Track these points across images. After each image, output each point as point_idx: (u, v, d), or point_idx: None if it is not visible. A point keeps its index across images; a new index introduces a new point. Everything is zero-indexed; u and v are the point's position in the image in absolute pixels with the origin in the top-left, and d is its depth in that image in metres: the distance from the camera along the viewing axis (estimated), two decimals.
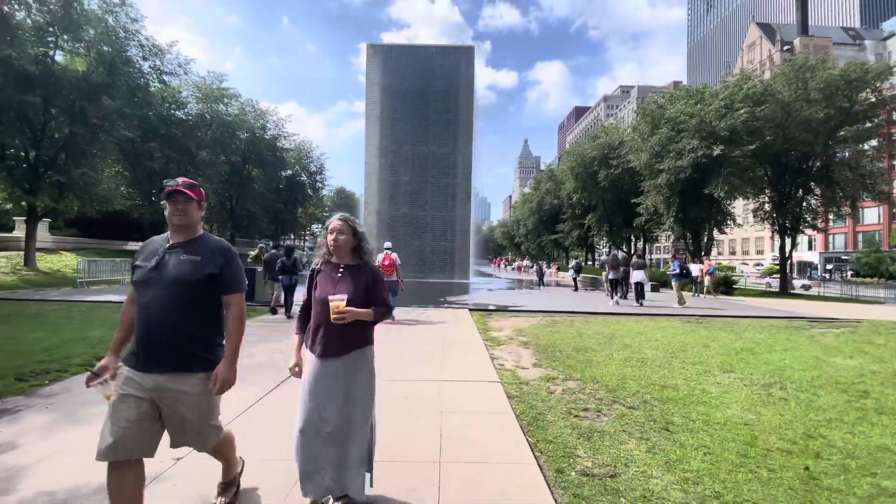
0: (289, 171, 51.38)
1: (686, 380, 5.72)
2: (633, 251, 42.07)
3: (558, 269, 44.53)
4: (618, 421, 4.08)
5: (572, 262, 24.95)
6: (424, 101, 29.26)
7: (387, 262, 10.02)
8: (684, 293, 16.52)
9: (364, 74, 29.94)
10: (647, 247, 46.08)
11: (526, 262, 48.72)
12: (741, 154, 22.03)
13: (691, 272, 19.27)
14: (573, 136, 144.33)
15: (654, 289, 21.18)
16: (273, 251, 12.23)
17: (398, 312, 11.18)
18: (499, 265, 59.52)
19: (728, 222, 27.83)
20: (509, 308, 13.26)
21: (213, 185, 34.93)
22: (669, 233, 31.48)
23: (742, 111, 22.12)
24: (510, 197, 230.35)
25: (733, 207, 28.86)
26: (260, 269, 12.60)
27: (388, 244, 10.74)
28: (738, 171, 22.74)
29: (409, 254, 28.02)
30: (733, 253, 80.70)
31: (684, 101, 25.02)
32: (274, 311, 11.04)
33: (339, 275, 2.46)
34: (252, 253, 13.56)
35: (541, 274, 24.07)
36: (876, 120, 24.21)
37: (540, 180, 58.97)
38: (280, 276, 10.86)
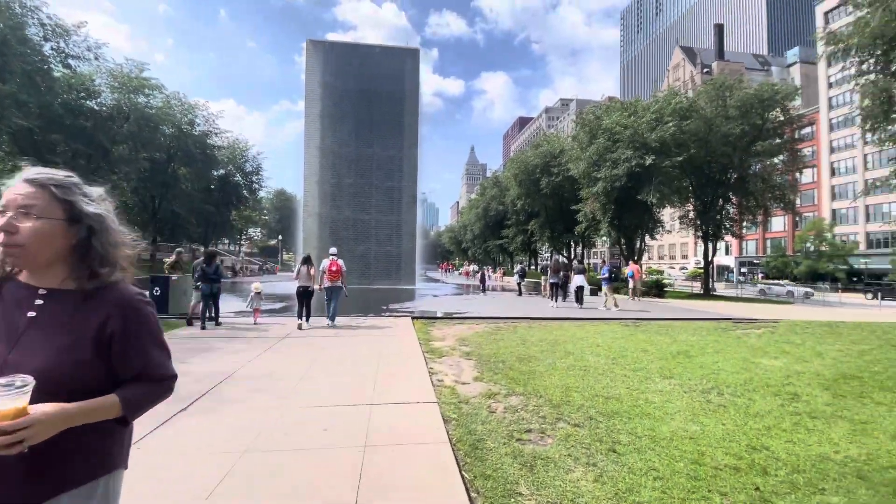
0: (221, 171, 48.05)
1: (629, 389, 5.56)
2: (573, 256, 43.61)
3: (503, 273, 45.11)
4: (563, 443, 3.73)
5: (517, 268, 25.23)
6: (368, 101, 28.44)
7: (334, 269, 10.01)
8: (618, 296, 17.09)
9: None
10: (585, 252, 48.03)
11: (473, 267, 48.89)
12: (670, 165, 23.36)
13: (620, 276, 20.10)
14: (517, 145, 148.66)
15: (593, 292, 21.80)
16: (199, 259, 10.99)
17: (336, 322, 10.42)
18: (446, 270, 59.34)
19: (658, 228, 29.55)
20: (454, 315, 12.86)
21: (131, 184, 31.69)
22: (606, 238, 32.86)
23: (670, 124, 23.50)
24: (458, 202, 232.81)
25: (662, 215, 30.67)
26: (175, 277, 11.26)
27: (334, 250, 10.65)
28: (668, 181, 24.11)
29: (352, 259, 26.96)
30: (661, 257, 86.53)
31: (619, 113, 26.21)
32: (190, 323, 9.86)
33: (32, 314, 1.12)
34: (168, 260, 12.13)
35: (484, 279, 24.00)
36: (784, 137, 26.75)
37: (486, 186, 59.76)
38: (200, 285, 9.72)
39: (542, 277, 22.69)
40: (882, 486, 3.06)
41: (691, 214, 30.06)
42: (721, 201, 28.15)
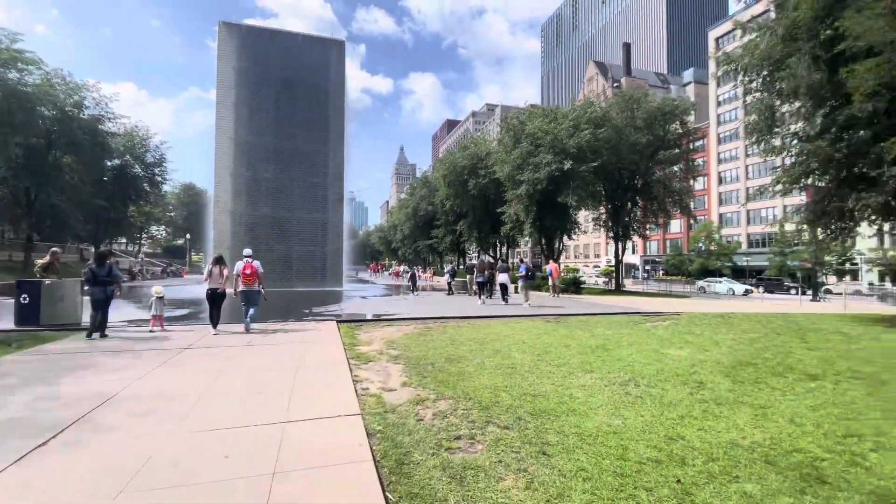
0: (117, 162, 42.61)
1: (554, 385, 5.61)
2: (499, 256, 44.95)
3: (433, 273, 45.22)
4: (493, 449, 3.57)
5: (448, 267, 25.36)
6: (290, 92, 26.79)
7: (248, 271, 9.53)
8: (540, 293, 17.87)
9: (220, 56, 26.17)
10: (511, 252, 49.80)
11: (403, 268, 48.32)
12: (586, 170, 24.88)
13: (535, 275, 21.14)
14: (446, 147, 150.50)
15: (517, 290, 22.54)
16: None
17: (253, 328, 9.52)
18: (376, 270, 58.02)
19: (575, 229, 31.52)
20: (382, 317, 12.42)
21: None
22: (529, 239, 34.28)
23: (586, 132, 25.05)
24: (387, 202, 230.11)
25: (578, 217, 32.70)
26: (48, 280, 9.56)
27: (248, 251, 10.05)
28: (584, 185, 25.67)
29: (272, 260, 25.23)
30: (577, 256, 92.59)
31: (541, 120, 27.44)
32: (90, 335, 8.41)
33: None
34: (39, 261, 10.28)
35: (414, 279, 23.75)
36: (682, 147, 29.76)
37: (415, 187, 59.55)
38: (89, 288, 8.35)
39: (468, 276, 23.14)
40: (789, 470, 3.28)
41: (604, 216, 32.36)
42: (630, 205, 30.62)
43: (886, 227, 14.08)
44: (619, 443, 3.74)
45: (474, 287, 20.80)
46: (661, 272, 66.17)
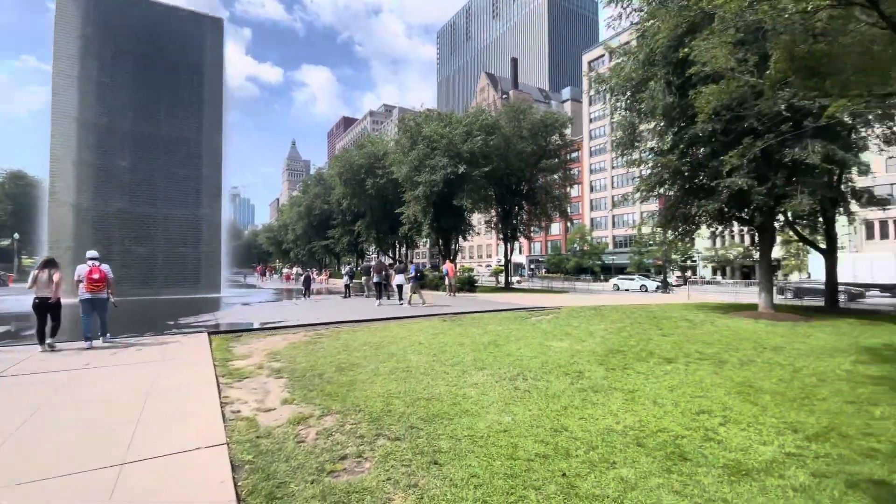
0: None
1: (448, 385, 5.53)
2: (397, 256, 44.70)
3: (330, 275, 43.14)
4: (382, 465, 3.29)
5: (345, 269, 24.27)
6: (152, 69, 23.22)
7: (96, 276, 8.25)
8: (438, 292, 18.10)
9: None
10: (409, 253, 49.88)
11: (296, 270, 45.01)
12: (479, 174, 25.93)
13: (425, 275, 21.51)
14: (343, 144, 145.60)
15: (415, 290, 22.54)
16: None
17: (98, 344, 7.87)
18: (264, 274, 53.23)
19: (469, 231, 32.79)
20: (267, 326, 11.30)
21: None
22: (427, 239, 34.66)
23: (479, 138, 26.13)
24: (278, 199, 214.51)
25: (472, 219, 34.05)
26: None
27: (93, 253, 8.61)
28: (477, 189, 26.72)
29: (129, 263, 21.64)
30: (472, 257, 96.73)
31: (437, 123, 27.89)
32: None
33: None
34: None
35: (308, 282, 22.27)
36: (561, 157, 32.69)
37: (309, 184, 56.29)
38: None
39: (364, 278, 22.59)
40: (656, 450, 3.56)
41: (495, 219, 34.18)
42: (517, 208, 32.78)
43: (720, 229, 17.02)
44: (509, 441, 3.74)
45: (369, 289, 20.51)
46: (543, 270, 72.21)
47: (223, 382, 5.72)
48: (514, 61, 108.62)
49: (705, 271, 55.34)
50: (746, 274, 49.88)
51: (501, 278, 46.83)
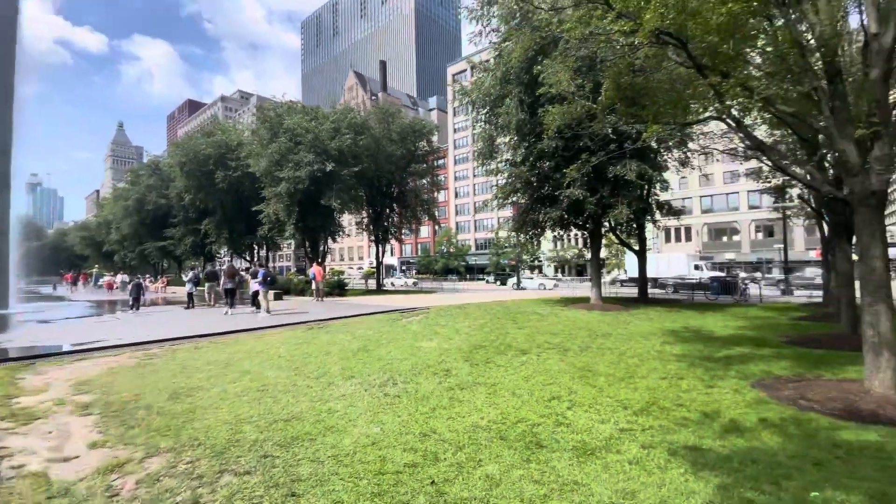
0: None
1: (311, 401, 5.09)
2: (256, 259, 40.65)
3: (168, 283, 36.90)
4: None
5: (188, 275, 20.78)
6: None
7: None
8: (304, 297, 16.92)
9: None
10: (270, 255, 45.84)
11: (122, 277, 36.85)
12: (348, 174, 25.15)
13: (275, 279, 19.82)
14: (187, 130, 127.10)
15: (278, 296, 20.74)
16: None
17: None
18: (76, 282, 42.68)
19: (339, 232, 31.63)
20: (77, 348, 9.04)
21: None
22: (291, 241, 32.30)
23: (347, 137, 25.35)
24: (97, 192, 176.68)
25: (343, 219, 32.94)
26: None
27: None
28: (346, 189, 25.88)
29: None
30: (343, 259, 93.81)
31: (301, 116, 26.20)
32: None
33: None
34: None
35: (138, 291, 18.57)
36: (429, 163, 33.75)
37: (141, 174, 47.50)
38: None
39: (207, 284, 19.79)
40: (517, 441, 3.74)
41: (366, 220, 33.61)
42: (388, 210, 32.77)
43: (561, 233, 19.41)
44: (377, 455, 3.54)
45: (212, 297, 18.18)
46: (414, 272, 73.81)
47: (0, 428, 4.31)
48: (383, 64, 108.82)
49: (549, 270, 63.00)
50: (580, 271, 58.30)
51: (367, 280, 46.35)
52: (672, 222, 24.84)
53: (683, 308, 15.53)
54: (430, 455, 3.52)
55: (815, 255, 35.99)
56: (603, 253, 48.22)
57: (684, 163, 17.33)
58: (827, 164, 9.75)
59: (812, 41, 5.35)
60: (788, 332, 9.88)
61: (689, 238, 53.92)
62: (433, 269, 67.42)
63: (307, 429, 4.16)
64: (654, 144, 14.62)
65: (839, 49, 5.26)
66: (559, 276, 59.91)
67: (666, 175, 17.93)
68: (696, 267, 34.06)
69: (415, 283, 47.30)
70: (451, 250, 67.36)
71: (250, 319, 13.36)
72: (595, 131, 11.59)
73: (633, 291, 23.20)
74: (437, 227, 66.74)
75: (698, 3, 5.75)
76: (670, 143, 15.88)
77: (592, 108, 8.35)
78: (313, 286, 21.16)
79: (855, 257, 7.29)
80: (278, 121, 26.36)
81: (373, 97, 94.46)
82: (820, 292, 19.08)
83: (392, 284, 47.38)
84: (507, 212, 32.02)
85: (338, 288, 25.65)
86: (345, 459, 3.46)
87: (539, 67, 10.03)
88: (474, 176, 73.81)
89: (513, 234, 20.42)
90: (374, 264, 36.68)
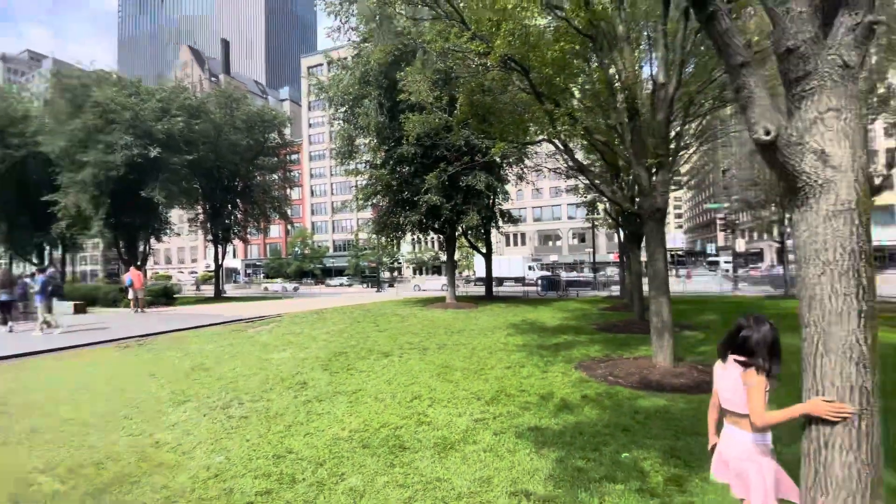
0: None
1: (132, 436, 4.23)
2: (49, 262, 31.91)
3: None
4: None
5: None
6: None
7: None
8: (118, 308, 13.97)
9: None
10: (69, 257, 36.57)
11: None
12: (179, 162, 21.70)
13: (60, 289, 16.11)
14: None
15: (80, 309, 16.72)
16: None
17: None
18: None
19: (167, 230, 27.07)
20: None
21: None
22: (100, 240, 26.37)
23: (179, 119, 21.89)
24: None
25: (171, 216, 28.34)
26: None
27: None
28: (176, 179, 22.29)
29: None
30: (169, 262, 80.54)
31: (117, 89, 21.64)
32: None
33: None
34: None
35: None
36: (280, 157, 31.34)
37: None
38: None
39: None
40: (380, 447, 3.70)
41: (202, 217, 29.53)
42: (230, 206, 29.32)
43: (420, 236, 20.09)
44: (221, 488, 3.12)
45: None
46: (262, 275, 67.64)
47: None
48: (226, 43, 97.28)
49: (408, 271, 64.66)
50: (437, 272, 61.25)
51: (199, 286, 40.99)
52: (511, 228, 27.90)
53: (521, 303, 17.57)
54: (287, 478, 3.25)
55: (613, 257, 44.47)
56: (455, 255, 51.66)
57: (521, 177, 19.65)
58: (625, 186, 12.15)
59: (618, 84, 6.61)
60: (598, 320, 11.98)
61: (524, 243, 61.37)
62: (285, 272, 62.79)
63: (128, 470, 3.44)
64: (498, 159, 16.22)
65: (638, 93, 6.63)
66: (420, 276, 61.78)
67: (507, 187, 20.08)
68: (530, 268, 38.89)
69: (295, 289, 43.16)
70: (307, 252, 63.73)
71: (35, 340, 10.44)
72: (452, 142, 12.33)
73: (481, 290, 25.29)
74: (289, 227, 62.21)
75: (536, 38, 6.61)
76: (511, 160, 17.83)
77: (449, 120, 8.88)
78: (130, 295, 17.64)
79: (644, 259, 9.29)
80: (84, 92, 21.29)
81: (213, 79, 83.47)
82: (618, 287, 23.69)
83: (266, 289, 43.05)
84: (368, 213, 31.89)
85: (164, 296, 21.86)
86: (180, 500, 2.96)
87: (401, 74, 10.24)
88: (332, 174, 71.34)
89: (373, 235, 20.35)
90: (213, 268, 32.44)
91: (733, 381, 1.93)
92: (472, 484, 3.04)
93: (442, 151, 14.11)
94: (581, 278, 33.09)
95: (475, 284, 35.13)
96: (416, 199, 15.02)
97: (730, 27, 1.83)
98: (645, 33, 8.94)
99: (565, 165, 15.26)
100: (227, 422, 4.58)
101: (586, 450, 3.53)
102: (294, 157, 60.21)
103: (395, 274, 60.46)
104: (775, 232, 22.51)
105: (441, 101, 9.97)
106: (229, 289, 45.90)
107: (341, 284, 50.30)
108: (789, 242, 19.31)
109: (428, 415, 4.51)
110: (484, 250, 21.94)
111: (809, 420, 1.76)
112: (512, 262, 40.38)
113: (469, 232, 19.52)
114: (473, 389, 5.42)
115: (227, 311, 16.95)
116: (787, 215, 19.26)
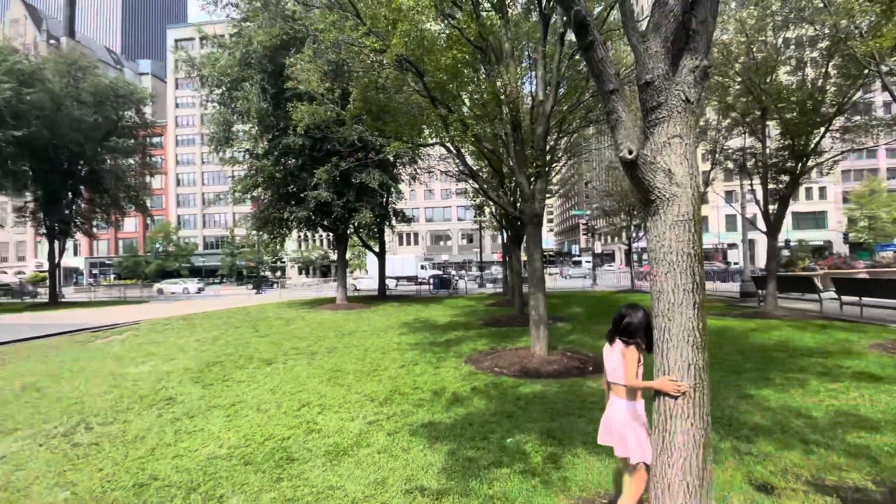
0: None
1: None
2: None
3: None
4: None
5: None
6: None
7: None
8: None
9: None
10: None
11: None
12: (4, 138, 17.45)
13: None
14: None
15: None
16: None
17: None
18: None
19: None
20: None
21: None
22: None
23: (6, 86, 17.63)
24: None
25: None
26: None
27: None
28: (0, 159, 17.89)
29: None
30: None
31: None
32: None
33: None
34: None
35: None
36: (138, 139, 27.02)
37: None
38: None
39: None
40: (265, 462, 3.42)
41: (32, 206, 24.10)
42: (71, 194, 24.36)
43: (309, 234, 19.03)
44: None
45: None
46: (113, 276, 57.66)
47: None
48: (71, 2, 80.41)
49: (292, 271, 60.89)
50: (325, 273, 58.75)
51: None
52: (405, 228, 28.12)
53: (413, 302, 17.80)
54: None
55: (497, 257, 47.60)
56: (347, 254, 50.09)
57: (415, 177, 19.90)
58: (509, 192, 13.08)
59: (504, 97, 7.09)
60: (484, 316, 12.71)
61: (416, 242, 62.25)
62: (143, 272, 54.33)
63: None
64: (392, 158, 16.19)
65: (521, 106, 7.19)
66: (303, 277, 58.52)
67: (401, 186, 20.15)
68: (423, 267, 39.61)
69: (199, 290, 36.27)
70: (171, 249, 56.00)
71: None
72: (345, 136, 11.91)
73: (373, 290, 24.98)
74: (149, 221, 53.91)
75: (431, 42, 6.76)
76: (405, 160, 17.94)
77: (342, 114, 8.57)
78: None
79: (523, 259, 10.12)
80: None
81: (52, 41, 68.43)
82: (501, 285, 25.41)
83: (160, 292, 35.87)
84: (247, 207, 29.28)
85: None
86: None
87: (289, 60, 9.54)
88: (204, 162, 63.81)
89: (253, 232, 18.73)
90: (48, 267, 26.77)
91: (616, 359, 2.28)
92: (366, 488, 2.99)
93: (334, 145, 13.58)
94: (469, 275, 34.70)
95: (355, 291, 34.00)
96: (303, 194, 14.21)
97: (605, 57, 2.10)
98: (527, 53, 9.76)
99: (456, 169, 15.88)
100: (71, 451, 3.83)
101: (476, 439, 3.73)
102: (156, 139, 52.38)
103: (279, 274, 56.44)
104: (624, 236, 26.29)
105: (333, 93, 9.57)
106: (69, 292, 38.30)
107: (185, 289, 45.19)
108: (635, 245, 22.67)
109: (318, 422, 4.31)
110: (377, 249, 21.69)
111: (657, 395, 2.11)
112: (405, 261, 40.61)
113: (362, 230, 19.12)
114: (366, 392, 5.33)
115: (66, 320, 14.14)
116: (634, 222, 22.69)
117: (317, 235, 56.10)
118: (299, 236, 19.07)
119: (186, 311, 15.92)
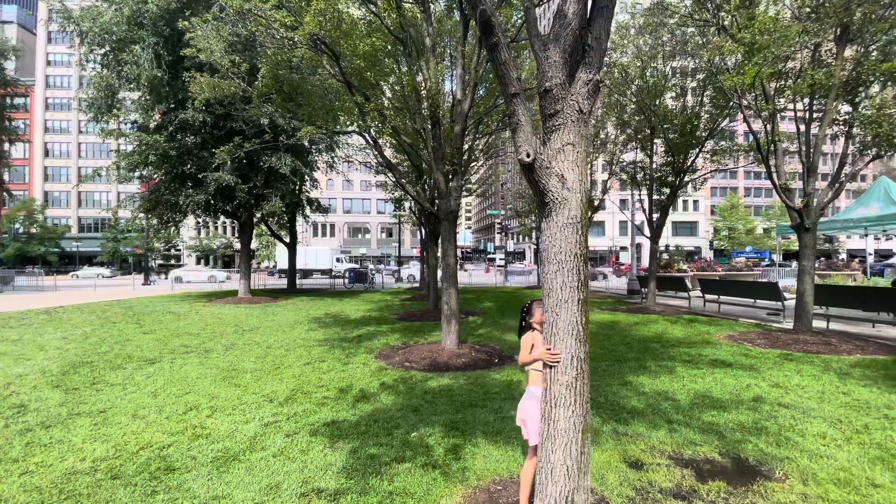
0: None
1: None
2: None
3: None
4: None
5: None
6: None
7: None
8: None
9: None
10: None
11: None
12: None
13: None
14: None
15: None
16: None
17: None
18: None
19: None
20: None
21: None
22: None
23: None
24: None
25: None
26: None
27: None
28: None
29: None
30: None
31: None
32: None
33: None
34: None
35: None
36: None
37: None
38: None
39: None
40: (138, 475, 3.03)
41: None
42: None
43: (208, 220, 17.30)
44: None
45: None
46: None
47: None
48: None
49: (189, 260, 55.32)
50: (227, 263, 54.23)
51: None
52: (320, 218, 26.95)
53: (326, 296, 17.16)
54: None
55: (415, 252, 47.80)
56: (253, 244, 46.53)
57: (331, 166, 19.15)
58: (427, 188, 13.14)
59: (424, 92, 7.08)
60: (398, 310, 12.68)
61: (333, 234, 60.03)
62: None
63: None
64: (306, 144, 15.38)
65: (440, 103, 7.22)
66: (201, 266, 53.39)
67: (316, 175, 19.26)
68: (338, 259, 38.33)
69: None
70: (34, 231, 47.63)
71: None
72: (252, 116, 11.02)
73: (283, 283, 23.62)
74: (6, 196, 45.11)
75: (349, 26, 6.50)
76: (321, 146, 17.15)
77: (249, 90, 7.91)
78: None
79: (439, 255, 10.24)
80: None
81: None
82: (418, 279, 25.56)
83: (76, 277, 28.54)
84: (135, 187, 25.87)
85: None
86: None
87: (186, 24, 8.53)
88: (81, 131, 55.18)
89: (141, 215, 16.63)
90: None
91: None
92: (257, 494, 2.79)
93: (239, 124, 12.51)
94: (387, 269, 34.28)
95: (280, 276, 31.37)
96: (202, 175, 12.89)
97: (507, 60, 2.17)
98: (449, 51, 9.85)
99: (375, 161, 15.52)
100: None
101: (380, 436, 3.68)
102: (20, 101, 43.91)
103: (173, 262, 50.87)
104: (533, 236, 27.97)
105: (239, 67, 8.76)
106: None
107: (100, 276, 38.85)
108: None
109: (206, 426, 3.94)
110: (288, 239, 20.50)
111: (545, 388, 2.25)
112: (319, 253, 38.90)
113: (270, 219, 17.91)
114: (265, 391, 5.00)
115: None
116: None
117: (218, 222, 51.52)
118: (198, 222, 17.27)
119: (49, 304, 13.66)
